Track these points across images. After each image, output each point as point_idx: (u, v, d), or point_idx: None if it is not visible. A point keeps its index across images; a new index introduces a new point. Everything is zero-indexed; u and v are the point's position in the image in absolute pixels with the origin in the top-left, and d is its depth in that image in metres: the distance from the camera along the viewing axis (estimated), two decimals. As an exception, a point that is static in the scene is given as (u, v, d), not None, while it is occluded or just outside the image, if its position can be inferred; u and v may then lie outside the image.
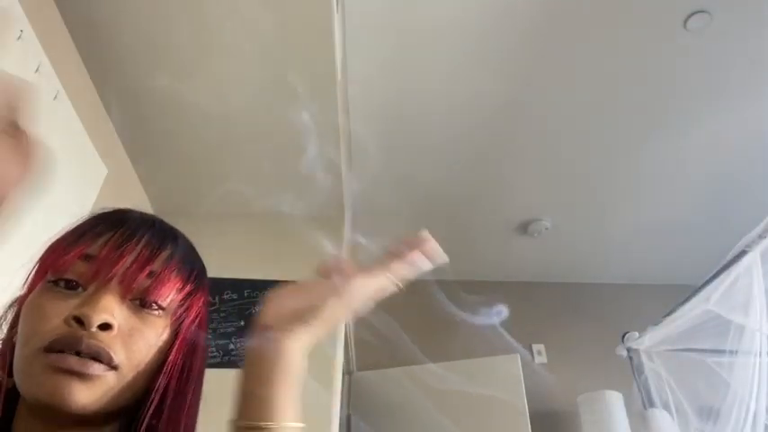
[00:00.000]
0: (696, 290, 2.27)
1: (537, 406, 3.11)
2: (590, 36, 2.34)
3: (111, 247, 0.57)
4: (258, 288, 2.38)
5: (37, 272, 0.60)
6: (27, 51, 1.53)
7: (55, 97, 1.67)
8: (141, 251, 0.59)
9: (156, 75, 1.93)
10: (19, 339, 0.56)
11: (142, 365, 0.56)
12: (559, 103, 2.65)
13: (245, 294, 2.36)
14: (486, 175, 3.08)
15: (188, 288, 0.62)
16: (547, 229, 3.44)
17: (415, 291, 0.58)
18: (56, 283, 0.56)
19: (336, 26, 1.83)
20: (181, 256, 0.63)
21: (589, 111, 2.68)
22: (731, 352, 2.13)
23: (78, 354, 0.52)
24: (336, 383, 2.18)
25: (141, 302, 0.58)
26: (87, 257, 0.57)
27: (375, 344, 3.48)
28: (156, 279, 0.58)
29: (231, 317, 2.29)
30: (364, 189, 3.03)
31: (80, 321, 0.53)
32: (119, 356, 0.54)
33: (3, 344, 0.60)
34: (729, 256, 2.05)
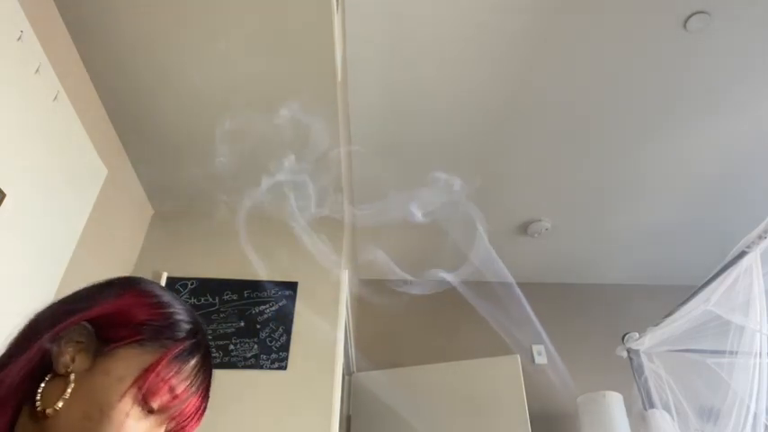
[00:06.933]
0: (696, 290, 2.27)
1: (537, 407, 3.11)
2: (590, 36, 2.34)
3: (188, 390, 0.65)
4: (258, 289, 2.38)
5: (139, 380, 0.62)
6: (27, 52, 1.53)
7: (55, 97, 1.67)
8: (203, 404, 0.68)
9: (156, 75, 1.93)
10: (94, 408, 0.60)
11: None
12: (559, 104, 2.65)
13: (245, 295, 2.36)
14: (485, 176, 3.08)
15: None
16: (547, 229, 3.44)
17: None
18: (146, 410, 0.62)
19: (336, 26, 1.83)
20: None
21: (589, 111, 2.68)
22: (731, 352, 2.13)
23: None
24: (336, 384, 2.18)
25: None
26: (171, 391, 0.64)
27: (375, 345, 3.48)
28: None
29: (231, 317, 2.29)
30: (364, 189, 3.03)
31: None
32: None
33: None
34: (729, 257, 2.05)
